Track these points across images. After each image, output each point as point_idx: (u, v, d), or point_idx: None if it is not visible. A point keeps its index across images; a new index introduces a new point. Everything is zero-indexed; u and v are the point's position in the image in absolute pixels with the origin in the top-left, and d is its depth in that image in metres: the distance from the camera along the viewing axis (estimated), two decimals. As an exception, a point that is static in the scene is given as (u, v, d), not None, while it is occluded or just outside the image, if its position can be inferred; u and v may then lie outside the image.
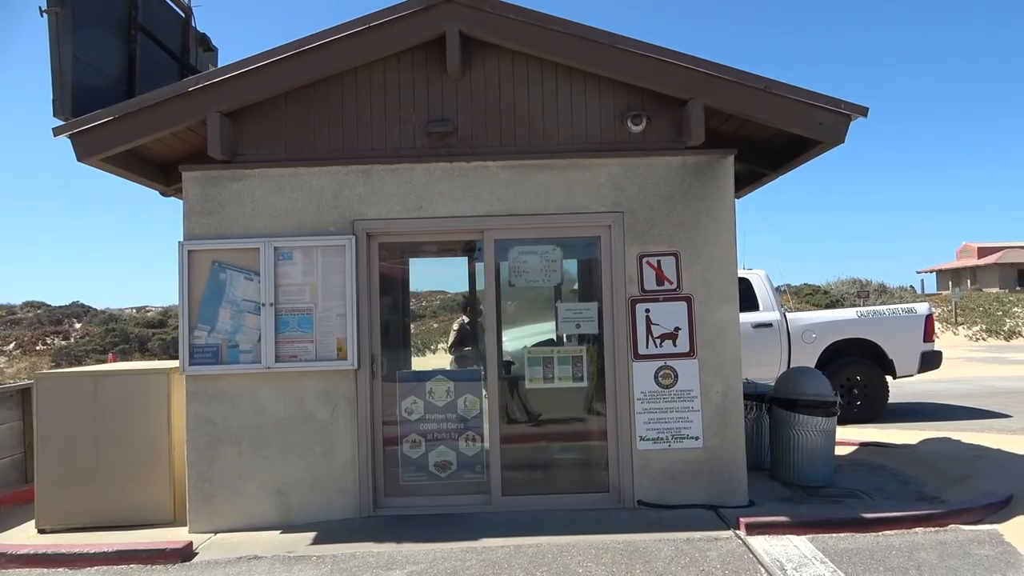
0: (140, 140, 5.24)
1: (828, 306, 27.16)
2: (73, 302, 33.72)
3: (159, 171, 6.03)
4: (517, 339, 6.15)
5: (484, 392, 5.51)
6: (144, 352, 22.67)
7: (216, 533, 5.24)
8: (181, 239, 5.38)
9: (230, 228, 5.39)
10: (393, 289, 6.72)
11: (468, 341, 6.77)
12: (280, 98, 5.41)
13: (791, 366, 9.15)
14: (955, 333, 26.96)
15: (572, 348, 5.56)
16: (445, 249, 6.41)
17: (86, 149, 5.13)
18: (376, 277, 5.50)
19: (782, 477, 6.08)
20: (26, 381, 6.71)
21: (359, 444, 5.35)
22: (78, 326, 29.35)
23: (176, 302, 5.49)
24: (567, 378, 5.49)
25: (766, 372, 8.74)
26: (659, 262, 5.39)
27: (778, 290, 10.60)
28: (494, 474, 5.44)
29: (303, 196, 5.42)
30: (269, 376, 5.33)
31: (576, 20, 5.20)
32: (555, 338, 5.79)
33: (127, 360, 20.49)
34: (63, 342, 24.33)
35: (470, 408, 5.54)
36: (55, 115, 5.17)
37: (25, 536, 5.43)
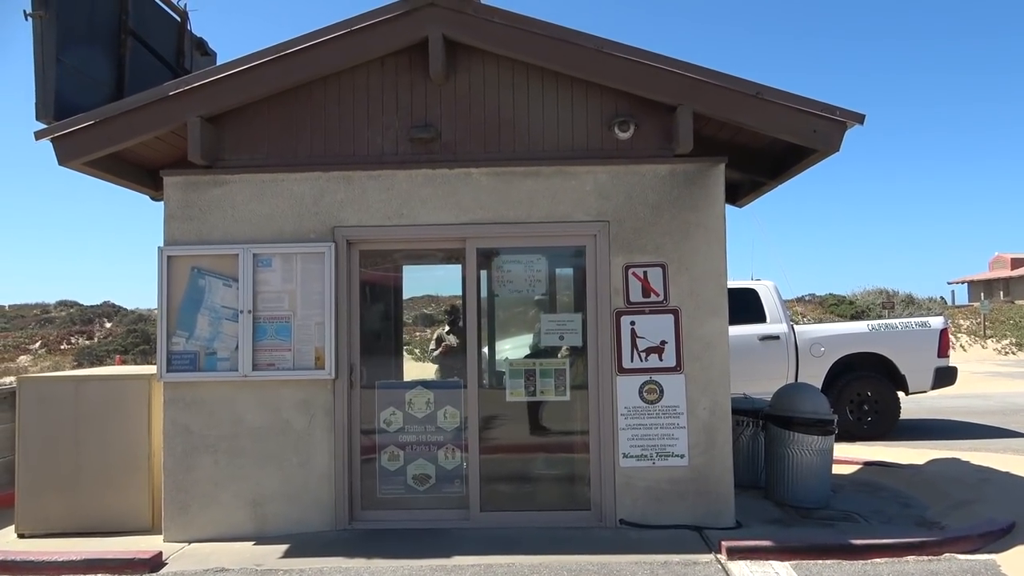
0: (122, 144, 5.19)
1: (853, 317, 26.55)
2: (104, 302, 34.30)
3: (148, 175, 5.97)
4: (509, 351, 6.01)
5: (464, 403, 5.36)
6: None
7: (190, 543, 5.16)
8: (161, 244, 5.32)
9: (210, 234, 5.32)
10: (384, 296, 6.63)
11: (446, 350, 6.67)
12: (262, 103, 5.32)
13: (799, 380, 8.88)
14: (983, 346, 26.22)
15: (555, 361, 5.38)
16: (433, 256, 6.28)
17: (67, 153, 5.09)
18: (356, 285, 5.39)
19: (776, 497, 5.85)
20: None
21: (336, 455, 5.23)
22: (108, 325, 29.81)
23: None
24: (549, 391, 5.33)
25: (773, 386, 8.41)
26: (645, 273, 5.21)
27: (790, 301, 10.35)
28: (473, 489, 5.29)
29: (284, 202, 5.33)
30: (246, 384, 5.24)
31: (566, 23, 5.06)
32: (544, 349, 5.61)
33: (148, 363, 20.69)
34: (87, 342, 24.69)
35: (450, 420, 5.40)
36: (37, 118, 5.13)
37: (4, 541, 5.39)
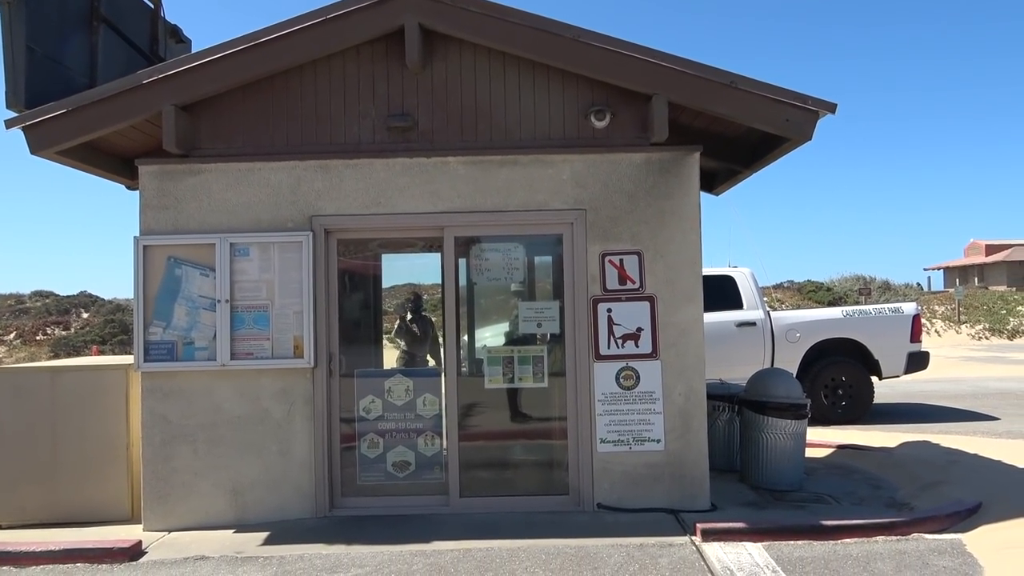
0: (95, 133, 5.14)
1: (830, 303, 26.89)
2: (81, 292, 33.83)
3: (123, 164, 5.90)
4: (488, 338, 6.04)
5: (443, 391, 5.41)
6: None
7: (170, 532, 5.16)
8: (137, 234, 5.29)
9: (186, 223, 5.30)
10: (363, 285, 6.64)
11: (407, 338, 6.73)
12: (238, 91, 5.30)
13: (774, 366, 9.02)
14: (957, 331, 26.67)
15: (533, 348, 5.43)
16: (412, 245, 6.29)
17: (39, 142, 5.04)
18: (335, 274, 5.40)
19: (750, 480, 5.96)
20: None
21: (315, 443, 5.26)
22: (85, 316, 29.45)
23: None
24: (527, 378, 5.38)
25: (749, 371, 8.56)
26: (622, 261, 5.26)
27: (768, 287, 10.49)
28: (452, 475, 5.34)
29: (261, 191, 5.32)
30: (224, 373, 5.24)
31: (546, 13, 5.08)
32: (522, 337, 5.65)
33: (126, 354, 20.50)
34: (63, 332, 24.40)
35: (429, 407, 5.44)
36: (8, 107, 5.07)
37: (-19, 532, 5.37)
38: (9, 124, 5.01)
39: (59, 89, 5.22)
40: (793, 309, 17.51)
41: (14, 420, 5.50)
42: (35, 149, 5.05)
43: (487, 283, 5.59)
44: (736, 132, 5.78)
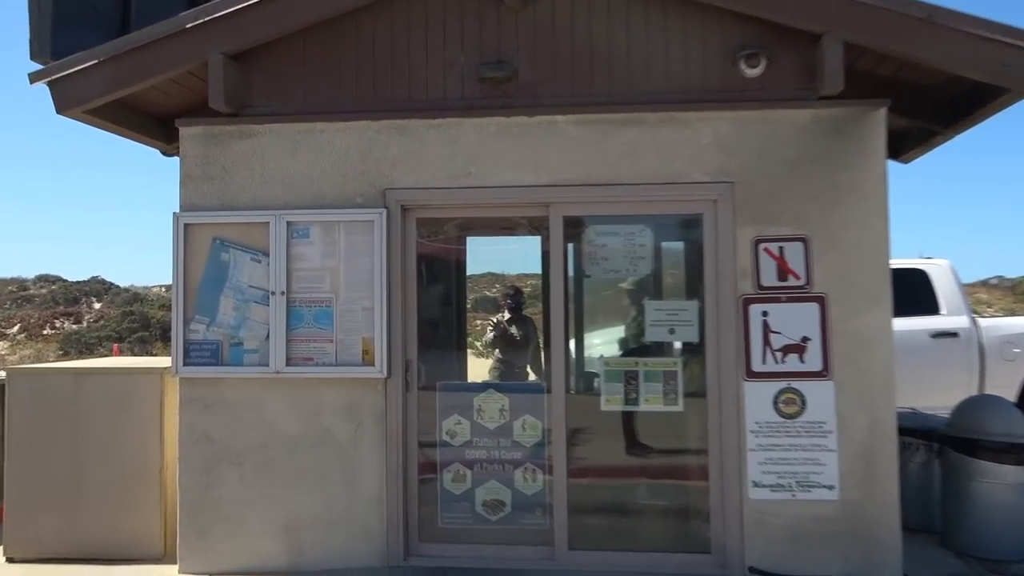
0: (130, 88, 5.47)
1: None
2: (92, 277, 35.83)
3: (159, 126, 6.28)
4: (600, 346, 6.12)
5: (547, 412, 5.51)
6: (167, 342, 23.88)
7: (211, 575, 5.47)
8: (177, 210, 5.61)
9: (235, 197, 5.59)
10: (445, 276, 6.84)
11: (505, 344, 6.85)
12: (297, 36, 5.54)
13: (985, 391, 8.70)
14: None
15: (663, 361, 5.46)
16: (510, 227, 6.42)
17: (66, 99, 5.40)
18: (413, 260, 5.57)
19: (956, 545, 5.83)
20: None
21: (388, 473, 5.45)
22: (97, 306, 31.22)
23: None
24: (656, 399, 5.42)
25: (951, 398, 8.33)
26: (781, 249, 5.23)
27: (970, 285, 10.13)
28: (559, 521, 5.43)
29: (324, 158, 5.55)
30: (279, 383, 5.51)
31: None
32: (648, 345, 5.68)
33: (148, 353, 21.57)
34: (74, 326, 25.97)
35: (529, 432, 5.55)
36: (32, 58, 5.51)
37: (-9, 566, 5.80)
38: (34, 78, 5.38)
39: (90, 37, 5.58)
40: (1007, 315, 16.79)
41: (29, 432, 5.87)
42: (62, 107, 5.42)
43: (603, 275, 5.65)
44: (934, 81, 5.61)
